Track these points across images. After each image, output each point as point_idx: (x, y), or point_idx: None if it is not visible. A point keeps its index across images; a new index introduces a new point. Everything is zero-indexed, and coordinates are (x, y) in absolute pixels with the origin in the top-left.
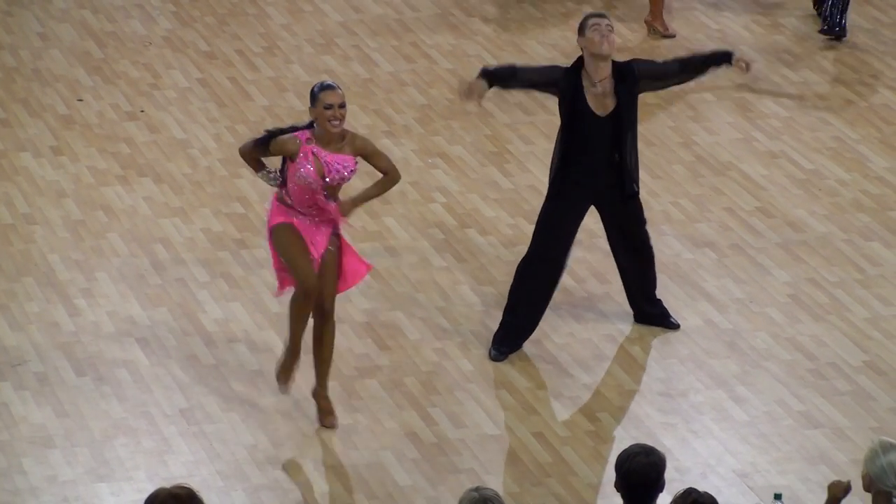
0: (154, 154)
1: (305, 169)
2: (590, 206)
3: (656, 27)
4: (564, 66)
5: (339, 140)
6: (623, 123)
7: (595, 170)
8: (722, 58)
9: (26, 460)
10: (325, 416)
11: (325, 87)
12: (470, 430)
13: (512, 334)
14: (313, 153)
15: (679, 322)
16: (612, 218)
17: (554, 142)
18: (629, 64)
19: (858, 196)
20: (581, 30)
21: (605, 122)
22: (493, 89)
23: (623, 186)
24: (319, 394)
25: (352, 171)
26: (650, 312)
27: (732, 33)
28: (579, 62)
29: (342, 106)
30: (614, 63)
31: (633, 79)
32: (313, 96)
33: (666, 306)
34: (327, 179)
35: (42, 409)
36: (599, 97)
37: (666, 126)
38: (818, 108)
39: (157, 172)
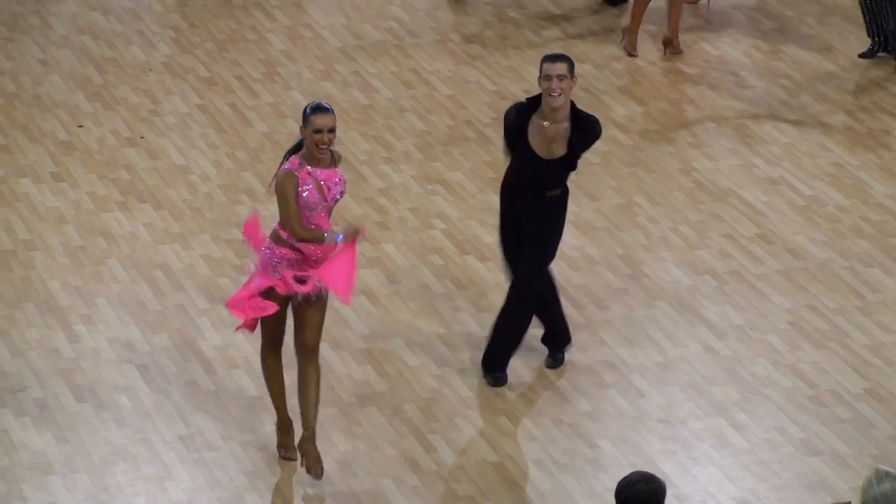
0: (154, 180)
1: (309, 192)
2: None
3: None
4: (517, 103)
5: (326, 158)
6: (565, 170)
7: (526, 203)
8: None
9: (26, 486)
10: (315, 462)
11: (316, 110)
12: (469, 457)
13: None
14: (309, 173)
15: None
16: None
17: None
18: (593, 122)
19: (858, 222)
20: (539, 70)
21: (548, 165)
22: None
23: (551, 220)
24: (308, 440)
25: (343, 182)
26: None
27: (732, 59)
28: (538, 98)
29: (332, 130)
30: (577, 110)
31: (590, 136)
32: (305, 117)
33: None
34: (328, 200)
35: (42, 436)
36: (547, 140)
37: (666, 152)
38: (818, 134)
39: (156, 198)
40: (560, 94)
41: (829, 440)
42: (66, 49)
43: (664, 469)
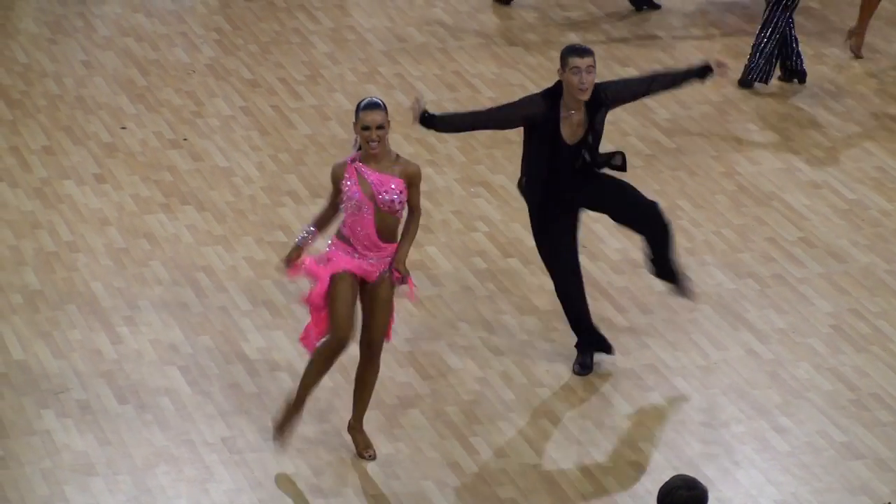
0: (197, 182)
1: (348, 186)
2: (577, 213)
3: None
4: (537, 94)
5: (388, 161)
6: (589, 149)
7: (561, 190)
8: (702, 71)
9: (68, 488)
10: (365, 448)
11: (365, 106)
12: (511, 460)
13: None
14: (356, 170)
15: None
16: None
17: None
18: (598, 91)
19: None
20: (562, 63)
21: (574, 149)
22: None
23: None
24: (356, 427)
25: (402, 192)
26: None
27: None
28: (558, 88)
29: (380, 127)
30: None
31: (604, 107)
32: (356, 113)
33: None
34: (377, 202)
35: (84, 437)
36: (574, 126)
37: (709, 156)
38: (861, 137)
39: (199, 200)
40: (587, 89)
41: (871, 444)
42: (109, 51)
43: (706, 472)
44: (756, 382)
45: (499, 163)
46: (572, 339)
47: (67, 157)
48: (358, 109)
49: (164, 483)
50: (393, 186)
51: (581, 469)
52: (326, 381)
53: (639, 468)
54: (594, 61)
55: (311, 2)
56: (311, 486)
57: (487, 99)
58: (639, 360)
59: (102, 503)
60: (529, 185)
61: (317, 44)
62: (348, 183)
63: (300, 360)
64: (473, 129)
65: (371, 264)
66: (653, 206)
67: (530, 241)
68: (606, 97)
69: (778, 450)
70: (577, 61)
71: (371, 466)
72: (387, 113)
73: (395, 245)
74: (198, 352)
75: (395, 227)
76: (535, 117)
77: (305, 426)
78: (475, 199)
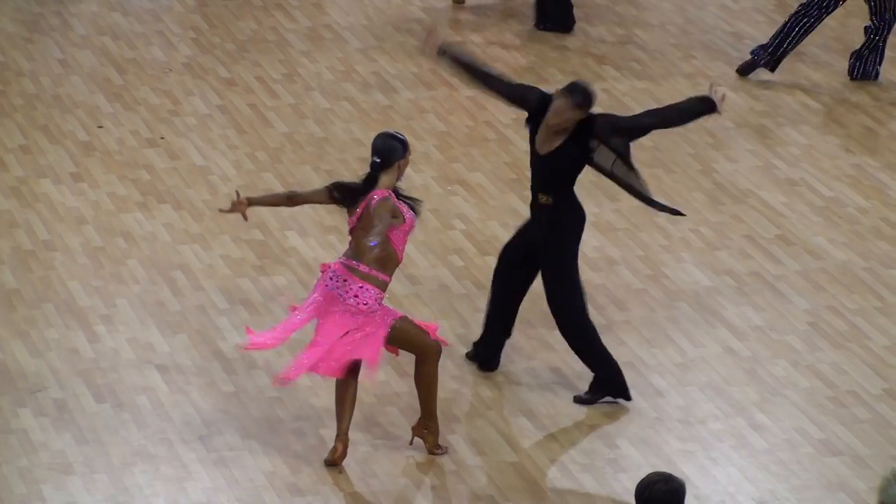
0: (174, 181)
1: (410, 216)
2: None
3: None
4: (540, 90)
5: None
6: (556, 168)
7: (532, 203)
8: (706, 109)
9: (45, 487)
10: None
11: (404, 139)
12: (489, 458)
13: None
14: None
15: None
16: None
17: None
18: (591, 117)
19: (878, 224)
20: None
21: (543, 161)
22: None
23: (545, 232)
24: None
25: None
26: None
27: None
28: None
29: None
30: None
31: (586, 133)
32: (404, 151)
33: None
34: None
35: (61, 436)
36: (550, 134)
37: (686, 153)
38: (838, 135)
39: (176, 199)
40: (553, 125)
41: (849, 441)
42: (86, 50)
43: (683, 469)
44: (733, 380)
45: (476, 161)
46: (549, 335)
47: (44, 156)
48: (408, 150)
49: (142, 482)
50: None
51: (558, 466)
52: (304, 380)
53: (616, 465)
54: (576, 105)
55: (289, 0)
56: (288, 484)
57: (465, 98)
58: (616, 357)
59: (80, 502)
60: None
61: (294, 42)
62: (405, 210)
63: (277, 358)
64: (476, 81)
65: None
66: (556, 315)
67: (507, 239)
68: (592, 128)
69: (755, 447)
70: (556, 95)
71: (349, 464)
72: None
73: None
74: (175, 350)
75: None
76: (528, 106)
77: (283, 425)
78: (452, 198)
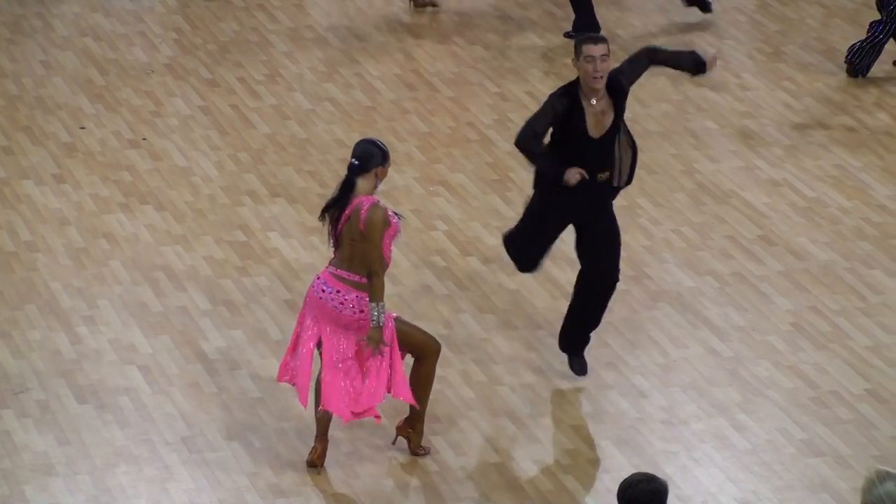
0: (156, 182)
1: (395, 220)
2: (567, 226)
3: None
4: (555, 94)
5: None
6: (616, 142)
7: (581, 189)
8: (696, 66)
9: (28, 488)
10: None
11: (385, 148)
12: (471, 459)
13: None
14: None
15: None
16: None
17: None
18: (615, 76)
19: (860, 224)
20: (576, 52)
21: (599, 144)
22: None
23: (603, 203)
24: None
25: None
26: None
27: (735, 61)
28: (574, 82)
29: None
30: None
31: (623, 93)
32: (385, 160)
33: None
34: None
35: (44, 437)
36: (598, 116)
37: (668, 154)
38: (820, 135)
39: (159, 200)
40: (602, 77)
41: (831, 441)
42: (68, 51)
43: (666, 470)
44: (716, 380)
45: (458, 162)
46: (531, 336)
47: (26, 157)
48: (388, 158)
49: (124, 482)
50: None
51: (541, 467)
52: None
53: (599, 466)
54: (608, 49)
55: (270, 1)
56: (271, 485)
57: (447, 98)
58: (598, 358)
59: (62, 503)
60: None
61: (276, 43)
62: (391, 215)
63: (259, 359)
64: (530, 152)
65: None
66: (615, 272)
67: (489, 240)
68: (623, 81)
69: (738, 447)
70: (591, 49)
71: (330, 465)
72: None
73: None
74: (157, 351)
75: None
76: (561, 115)
77: (266, 426)
78: (434, 198)
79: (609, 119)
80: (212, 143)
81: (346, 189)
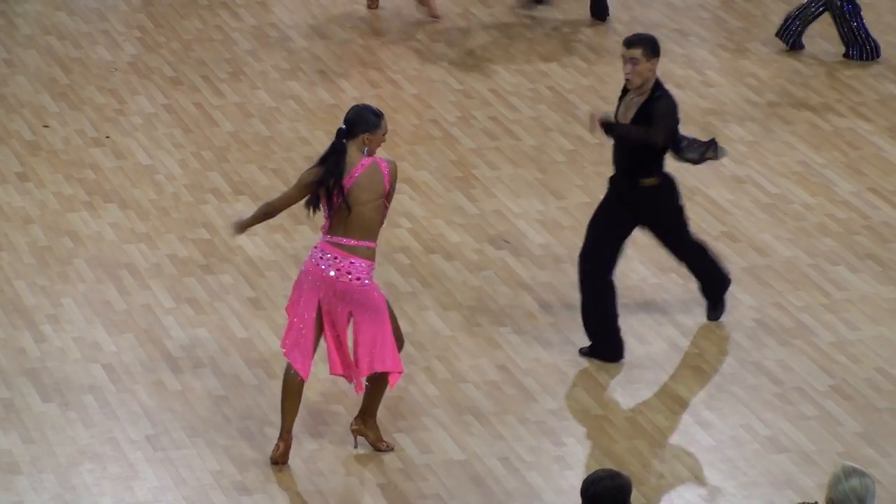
0: (120, 180)
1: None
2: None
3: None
4: None
5: None
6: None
7: (616, 175)
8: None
9: None
10: (377, 441)
11: (383, 114)
12: (436, 456)
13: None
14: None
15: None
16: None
17: (516, 167)
18: (659, 98)
19: (824, 220)
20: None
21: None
22: None
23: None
24: (363, 424)
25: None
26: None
27: (698, 58)
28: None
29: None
30: (659, 89)
31: (652, 108)
32: (372, 119)
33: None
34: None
35: (8, 436)
36: (628, 107)
37: None
38: (784, 132)
39: (122, 198)
40: (631, 77)
41: (795, 437)
42: (31, 49)
43: (630, 467)
44: (679, 377)
45: (422, 159)
46: (495, 333)
47: None
48: (381, 117)
49: (89, 481)
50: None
51: (505, 464)
52: (250, 378)
53: (563, 463)
54: (642, 54)
55: None
56: (235, 483)
57: (410, 95)
58: (562, 355)
59: (27, 501)
60: None
61: (239, 41)
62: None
63: (224, 357)
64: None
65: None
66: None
67: (453, 238)
68: (654, 107)
69: (702, 444)
70: (622, 51)
71: (295, 463)
72: None
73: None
74: (121, 350)
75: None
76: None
77: (230, 423)
78: (398, 196)
79: (631, 115)
80: (175, 141)
81: (339, 154)
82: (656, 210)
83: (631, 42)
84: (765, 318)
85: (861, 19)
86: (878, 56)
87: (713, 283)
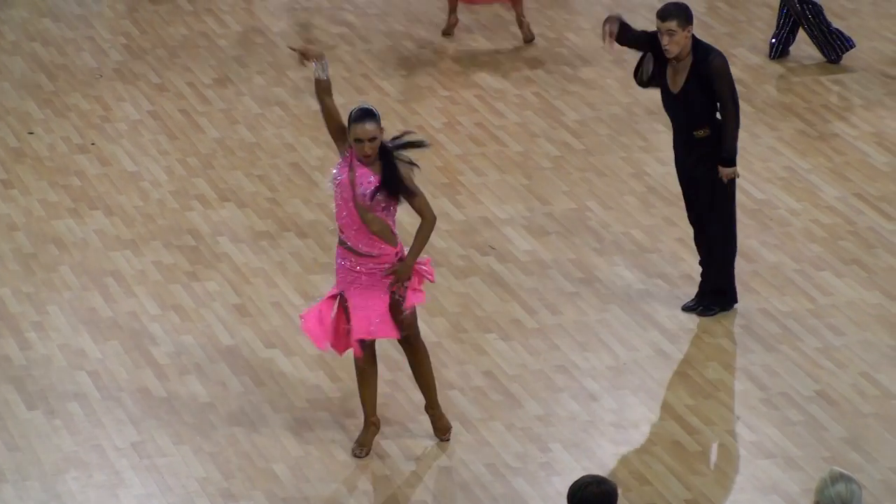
0: (105, 187)
1: (339, 168)
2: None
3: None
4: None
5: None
6: (693, 103)
7: (677, 143)
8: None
9: None
10: (443, 431)
11: (357, 118)
12: (422, 462)
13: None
14: (349, 165)
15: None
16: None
17: (502, 173)
18: (708, 59)
19: (809, 226)
20: None
21: (675, 98)
22: None
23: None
24: (432, 411)
25: (371, 182)
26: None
27: None
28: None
29: (372, 139)
30: (699, 47)
31: (706, 70)
32: (348, 123)
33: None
34: (358, 191)
35: None
36: (677, 74)
37: (618, 157)
38: (769, 137)
39: (108, 205)
40: (670, 48)
41: (781, 443)
42: (16, 56)
43: (616, 473)
44: (666, 382)
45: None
46: (481, 340)
47: None
48: (350, 121)
49: (74, 489)
50: (371, 180)
51: (491, 470)
52: (236, 385)
53: (549, 469)
54: (677, 24)
55: (219, 5)
56: (221, 489)
57: (397, 102)
58: (549, 360)
59: None
60: None
61: (225, 47)
62: (340, 164)
63: (209, 364)
64: (639, 47)
65: (370, 279)
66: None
67: (439, 244)
68: (709, 70)
69: (688, 450)
70: (657, 24)
71: (281, 469)
72: (380, 120)
73: (390, 253)
74: (107, 357)
75: (385, 232)
76: (657, 54)
77: (216, 431)
78: None
79: (681, 80)
80: (161, 148)
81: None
82: (711, 159)
83: (665, 15)
84: (750, 323)
85: (824, 17)
86: (852, 46)
87: (715, 282)
